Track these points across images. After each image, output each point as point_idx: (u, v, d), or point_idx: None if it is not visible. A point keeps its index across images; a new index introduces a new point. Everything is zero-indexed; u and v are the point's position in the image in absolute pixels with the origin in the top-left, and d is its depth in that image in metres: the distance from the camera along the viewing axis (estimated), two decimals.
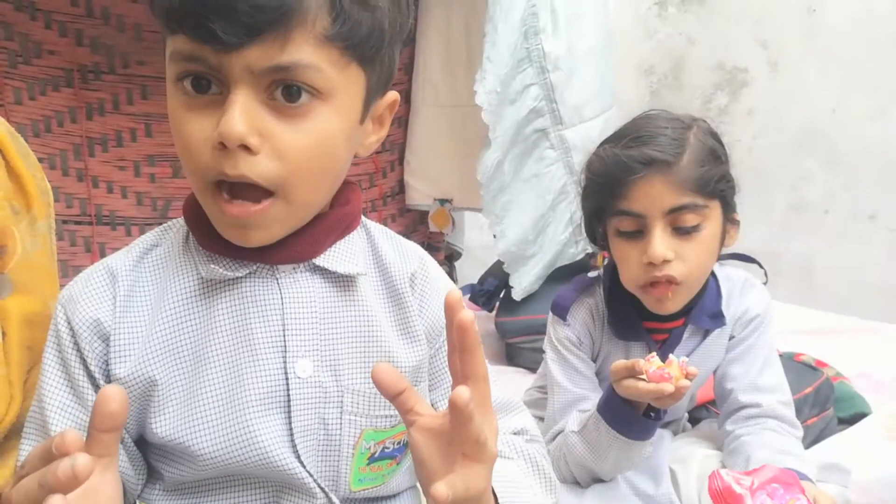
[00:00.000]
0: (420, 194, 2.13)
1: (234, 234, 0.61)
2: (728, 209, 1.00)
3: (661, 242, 0.93)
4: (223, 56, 0.54)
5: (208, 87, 0.56)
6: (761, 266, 1.16)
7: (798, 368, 1.36)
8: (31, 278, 0.76)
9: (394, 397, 0.53)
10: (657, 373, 0.87)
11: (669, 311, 1.00)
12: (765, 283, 1.12)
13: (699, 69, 2.58)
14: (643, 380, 0.88)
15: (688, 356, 1.06)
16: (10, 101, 1.60)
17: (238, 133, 0.54)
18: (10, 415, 0.71)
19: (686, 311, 1.03)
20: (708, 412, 1.29)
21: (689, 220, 0.94)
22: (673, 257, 0.94)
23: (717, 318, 1.05)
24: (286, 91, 0.56)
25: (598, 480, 1.04)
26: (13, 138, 0.74)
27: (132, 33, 1.70)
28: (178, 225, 0.69)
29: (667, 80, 2.63)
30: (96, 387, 0.63)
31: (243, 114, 0.55)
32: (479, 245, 2.50)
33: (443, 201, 2.09)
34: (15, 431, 0.70)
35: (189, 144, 0.57)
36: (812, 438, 1.21)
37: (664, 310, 1.00)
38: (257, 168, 0.56)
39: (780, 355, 1.44)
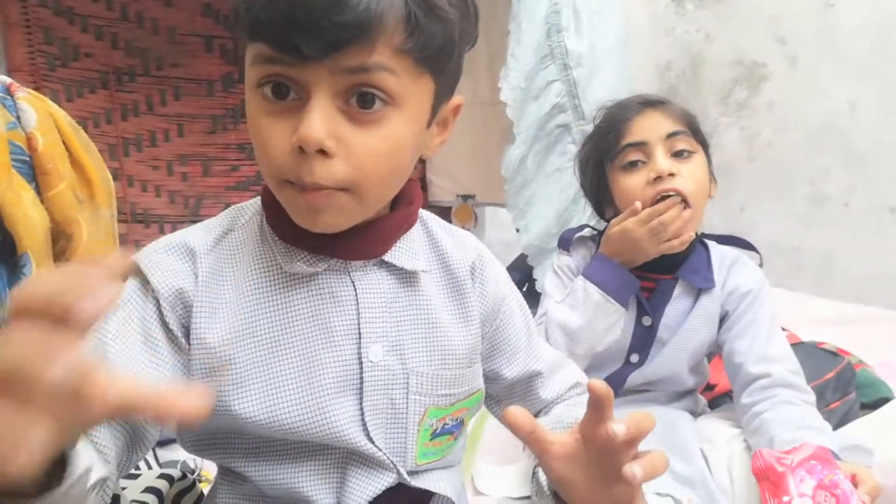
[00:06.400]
0: (443, 191, 2.16)
1: (307, 218, 0.63)
2: (710, 164, 1.14)
3: (665, 160, 1.08)
4: (304, 67, 0.57)
5: (287, 94, 0.59)
6: (757, 251, 1.25)
7: (820, 354, 1.37)
8: None
9: (527, 435, 0.61)
10: None
11: (683, 233, 1.07)
12: (759, 266, 1.21)
13: (717, 65, 2.59)
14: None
15: (681, 315, 1.15)
16: None
17: (317, 137, 0.57)
18: None
19: (675, 267, 1.13)
20: (729, 401, 1.31)
21: (685, 144, 1.09)
22: (677, 172, 1.07)
23: (708, 280, 1.14)
24: (361, 98, 0.59)
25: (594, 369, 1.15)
26: (75, 130, 0.78)
27: (166, 36, 1.75)
28: (251, 210, 0.72)
29: (684, 75, 2.65)
30: (171, 338, 0.64)
31: (322, 119, 0.57)
32: (499, 242, 2.53)
33: (465, 197, 2.12)
34: None
35: (268, 148, 0.60)
36: (835, 423, 1.21)
37: (678, 232, 1.07)
38: (330, 171, 0.59)
39: (803, 343, 1.46)
